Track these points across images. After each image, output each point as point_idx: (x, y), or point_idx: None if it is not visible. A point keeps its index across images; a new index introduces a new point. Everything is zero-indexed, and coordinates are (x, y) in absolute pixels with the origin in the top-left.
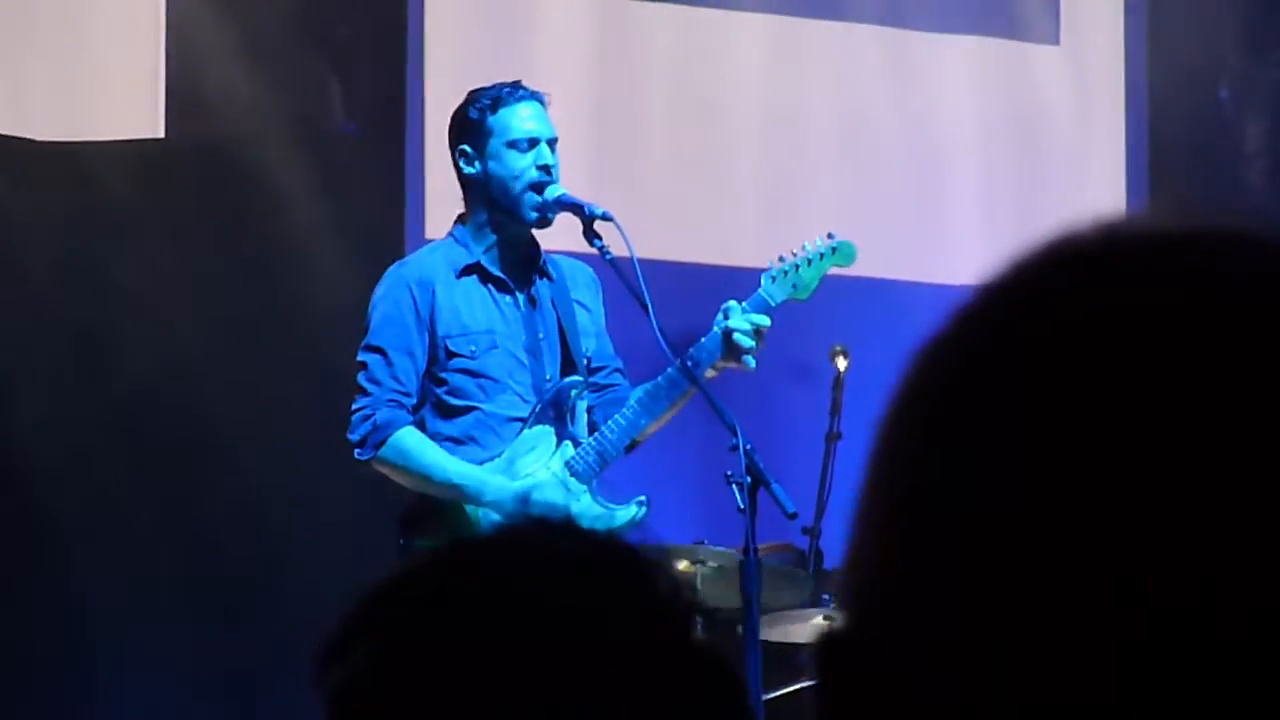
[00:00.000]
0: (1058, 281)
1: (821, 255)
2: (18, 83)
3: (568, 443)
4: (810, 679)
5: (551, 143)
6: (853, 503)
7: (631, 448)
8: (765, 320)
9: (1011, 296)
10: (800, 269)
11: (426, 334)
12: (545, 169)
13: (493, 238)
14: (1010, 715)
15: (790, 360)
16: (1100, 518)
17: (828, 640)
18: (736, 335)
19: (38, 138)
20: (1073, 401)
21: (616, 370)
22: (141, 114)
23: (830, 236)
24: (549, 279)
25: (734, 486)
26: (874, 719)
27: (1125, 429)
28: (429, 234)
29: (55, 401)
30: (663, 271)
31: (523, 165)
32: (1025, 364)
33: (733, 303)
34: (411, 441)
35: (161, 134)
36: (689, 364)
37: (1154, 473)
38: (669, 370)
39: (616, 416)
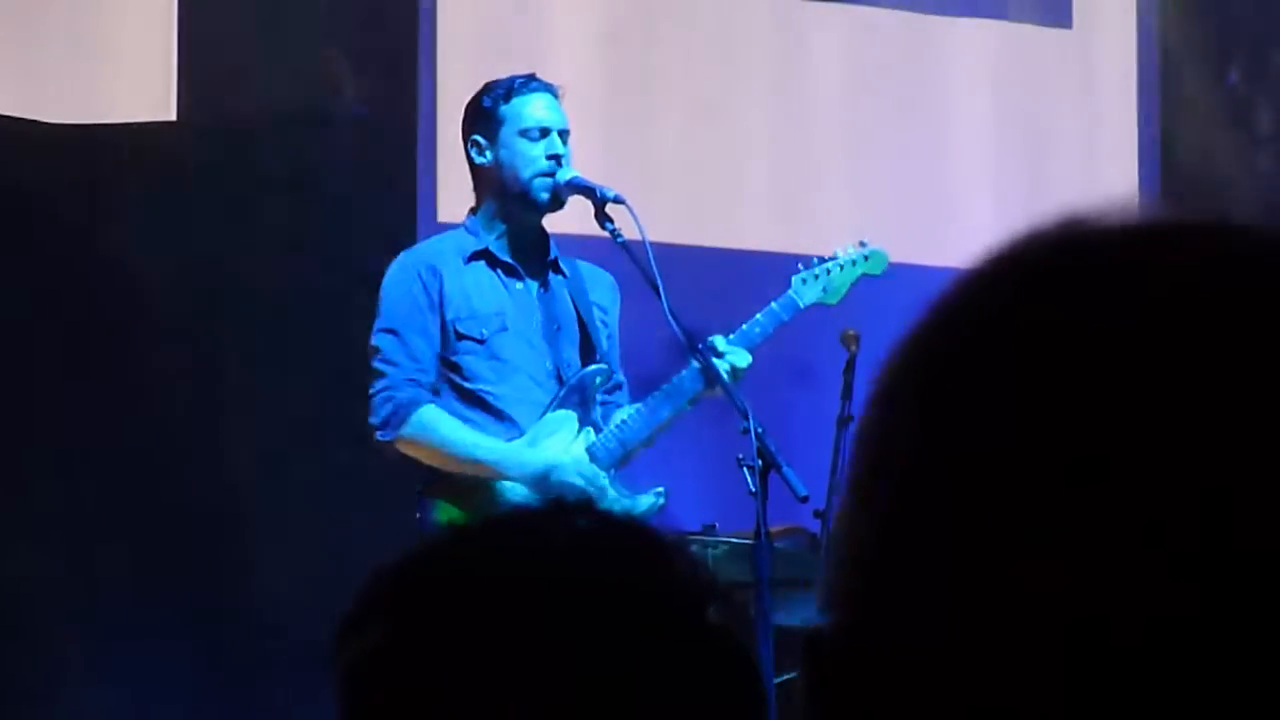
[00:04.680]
0: (1014, 281)
1: (854, 262)
2: (29, 64)
3: (589, 429)
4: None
5: (563, 134)
6: (838, 507)
7: (649, 441)
8: (748, 359)
9: (963, 309)
10: (832, 274)
11: (437, 316)
12: (555, 158)
13: (502, 226)
14: (998, 697)
15: (801, 344)
16: (1071, 509)
17: (815, 641)
18: (729, 358)
19: (49, 120)
20: (1037, 397)
21: (616, 386)
22: (153, 96)
23: (862, 244)
24: (563, 275)
25: (745, 470)
26: (864, 713)
27: (1085, 424)
28: (441, 217)
29: (60, 386)
30: (674, 256)
31: (534, 154)
32: (983, 363)
33: (718, 338)
34: (434, 417)
35: (174, 116)
36: (700, 347)
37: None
38: (692, 363)
39: (639, 405)
